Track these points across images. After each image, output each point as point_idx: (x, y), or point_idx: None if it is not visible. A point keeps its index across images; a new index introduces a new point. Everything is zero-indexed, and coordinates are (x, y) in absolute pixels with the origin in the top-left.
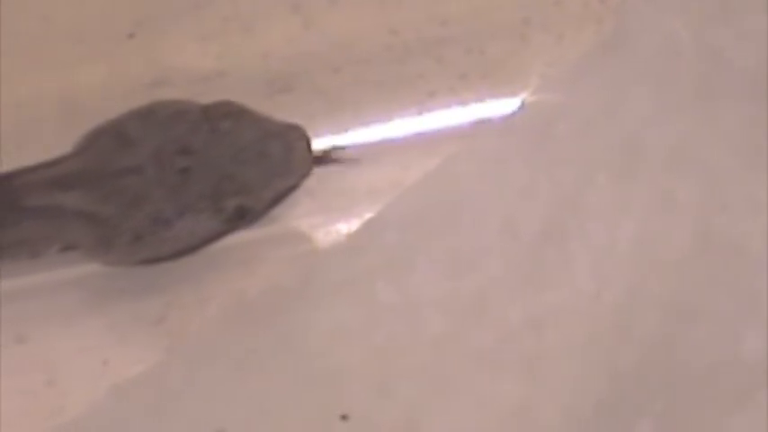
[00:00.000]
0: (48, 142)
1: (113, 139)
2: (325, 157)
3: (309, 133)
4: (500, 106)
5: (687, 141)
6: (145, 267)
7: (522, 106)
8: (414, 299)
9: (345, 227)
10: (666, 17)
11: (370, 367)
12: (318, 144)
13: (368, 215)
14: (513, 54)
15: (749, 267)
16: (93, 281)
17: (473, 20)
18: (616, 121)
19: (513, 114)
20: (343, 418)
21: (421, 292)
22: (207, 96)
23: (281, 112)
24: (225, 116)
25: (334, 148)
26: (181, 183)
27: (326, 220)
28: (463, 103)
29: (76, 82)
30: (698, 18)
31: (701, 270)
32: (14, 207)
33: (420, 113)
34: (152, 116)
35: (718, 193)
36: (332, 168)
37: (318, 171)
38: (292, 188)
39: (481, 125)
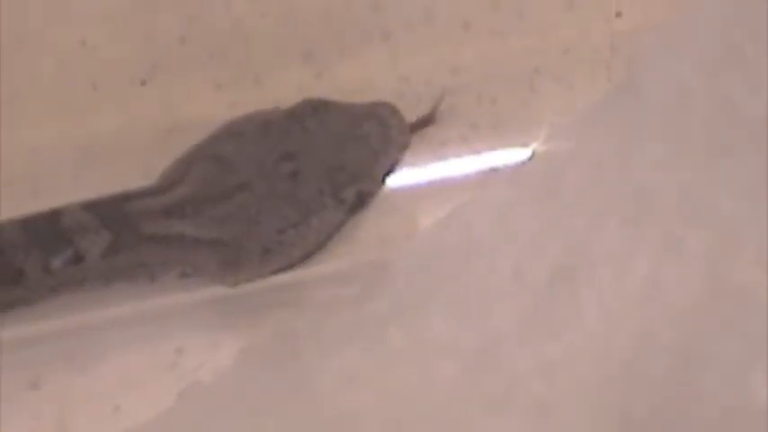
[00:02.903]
0: (63, 187)
1: (210, 163)
2: (421, 122)
3: None
4: (511, 155)
5: (697, 189)
6: (159, 313)
7: (533, 155)
8: (425, 344)
9: (357, 274)
10: (677, 65)
11: (381, 412)
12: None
13: (380, 262)
14: (524, 103)
15: (759, 313)
16: (105, 327)
17: (484, 69)
18: (626, 170)
19: (524, 163)
20: None
21: (432, 338)
22: None
23: None
24: (312, 113)
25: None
26: (293, 187)
27: (338, 267)
28: (474, 151)
29: (90, 128)
30: (709, 66)
31: (711, 316)
32: (131, 232)
33: (432, 162)
34: (240, 133)
35: (728, 239)
36: None
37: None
38: (397, 162)
39: (492, 174)
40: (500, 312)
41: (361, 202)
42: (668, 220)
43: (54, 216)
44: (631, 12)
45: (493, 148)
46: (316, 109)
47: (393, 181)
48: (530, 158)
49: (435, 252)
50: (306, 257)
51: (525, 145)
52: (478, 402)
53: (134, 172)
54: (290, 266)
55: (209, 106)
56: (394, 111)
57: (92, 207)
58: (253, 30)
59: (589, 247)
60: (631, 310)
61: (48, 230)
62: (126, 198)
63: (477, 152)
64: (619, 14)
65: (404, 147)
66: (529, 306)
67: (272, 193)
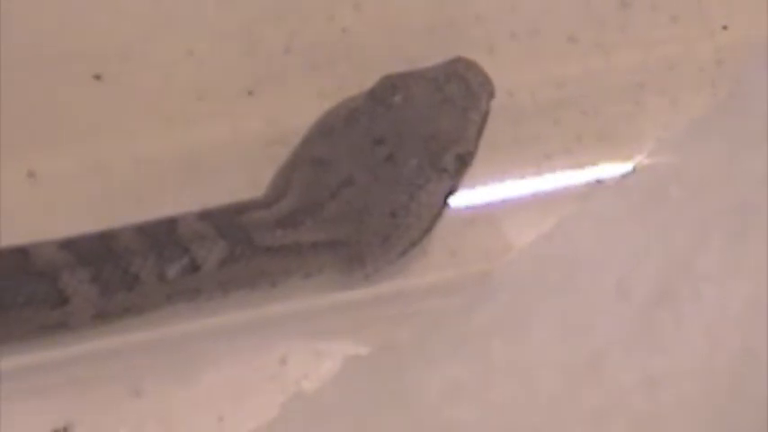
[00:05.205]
0: (168, 199)
1: (310, 167)
2: None
3: None
4: (615, 168)
5: None
6: (263, 323)
7: (637, 168)
8: (528, 358)
9: (461, 286)
10: None
11: (484, 426)
12: None
13: (483, 275)
14: (628, 117)
15: None
16: (208, 336)
17: (588, 83)
18: (730, 185)
19: (628, 176)
20: None
21: (535, 352)
22: None
23: None
24: (392, 90)
25: None
26: (393, 169)
27: (441, 279)
28: (579, 164)
29: (196, 139)
30: None
31: None
32: (247, 244)
33: (536, 174)
34: (330, 130)
35: None
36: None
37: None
38: (488, 112)
39: (596, 187)
40: (603, 326)
41: (464, 163)
42: None
43: (170, 224)
44: (737, 25)
45: (597, 161)
46: (395, 85)
47: (497, 194)
48: (634, 171)
49: (538, 265)
50: (427, 232)
51: (629, 158)
52: (581, 416)
53: (239, 183)
54: (413, 245)
55: (315, 117)
56: (470, 64)
57: (207, 216)
58: (358, 41)
59: (692, 263)
60: (734, 326)
61: (164, 238)
62: (239, 210)
63: (582, 165)
64: (725, 28)
65: (490, 96)
66: (632, 320)
67: (375, 180)
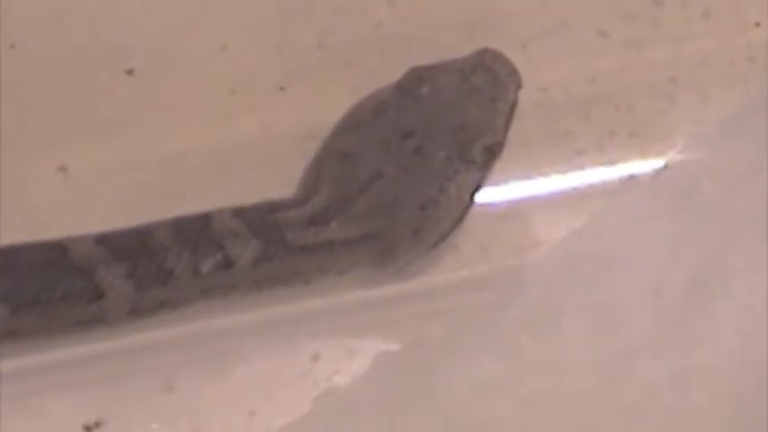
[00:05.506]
0: (197, 192)
1: (338, 162)
2: None
3: None
4: (647, 164)
5: None
6: (294, 320)
7: (669, 164)
8: (559, 354)
9: (491, 282)
10: None
11: (515, 421)
12: None
13: (514, 270)
14: (661, 112)
15: None
16: (240, 332)
17: (621, 78)
18: (762, 181)
19: (660, 172)
20: None
21: (567, 348)
22: None
23: None
24: (419, 82)
25: None
26: (422, 162)
27: (472, 275)
28: (611, 160)
29: (228, 134)
30: None
31: None
32: (280, 243)
33: (568, 170)
34: (358, 123)
35: None
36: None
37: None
38: (515, 103)
39: (628, 183)
40: (635, 323)
41: (492, 155)
42: None
43: (204, 220)
44: None
45: (629, 156)
46: (422, 77)
47: (529, 189)
48: (666, 167)
49: (570, 261)
50: (457, 223)
51: (662, 154)
52: (612, 413)
53: (271, 178)
54: (443, 238)
55: None
56: (496, 55)
57: (241, 214)
58: (390, 37)
59: (724, 259)
60: (766, 322)
61: (198, 234)
62: (272, 208)
63: (613, 161)
64: (757, 24)
65: (517, 86)
66: (664, 317)
67: (404, 173)
